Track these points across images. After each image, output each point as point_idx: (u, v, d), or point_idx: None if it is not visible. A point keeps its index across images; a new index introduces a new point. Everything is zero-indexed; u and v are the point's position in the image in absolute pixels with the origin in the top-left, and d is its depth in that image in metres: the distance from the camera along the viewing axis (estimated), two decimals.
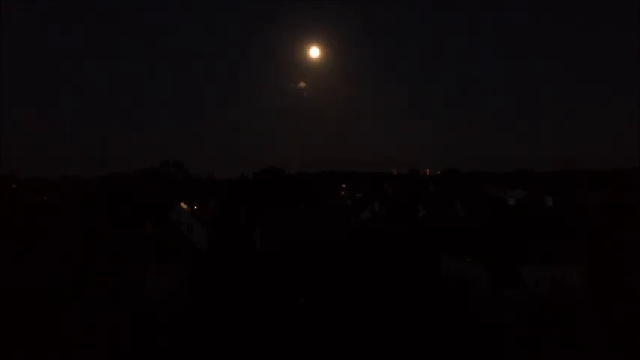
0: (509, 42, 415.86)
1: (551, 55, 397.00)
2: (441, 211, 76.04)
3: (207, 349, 27.68)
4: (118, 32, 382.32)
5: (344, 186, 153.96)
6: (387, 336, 28.45)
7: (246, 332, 29.10)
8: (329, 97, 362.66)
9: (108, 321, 27.48)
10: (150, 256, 38.12)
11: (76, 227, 45.24)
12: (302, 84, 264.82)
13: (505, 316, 31.37)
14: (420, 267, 42.10)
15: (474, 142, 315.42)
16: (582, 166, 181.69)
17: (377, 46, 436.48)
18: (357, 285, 37.49)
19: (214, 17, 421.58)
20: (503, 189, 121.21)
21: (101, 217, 52.91)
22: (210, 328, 29.92)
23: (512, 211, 66.59)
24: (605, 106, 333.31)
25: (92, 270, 32.81)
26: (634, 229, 40.94)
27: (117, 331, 26.96)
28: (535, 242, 39.01)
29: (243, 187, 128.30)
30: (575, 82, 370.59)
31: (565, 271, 35.33)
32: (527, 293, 33.30)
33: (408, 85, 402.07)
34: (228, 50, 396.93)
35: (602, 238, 39.37)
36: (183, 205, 66.91)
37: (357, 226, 62.23)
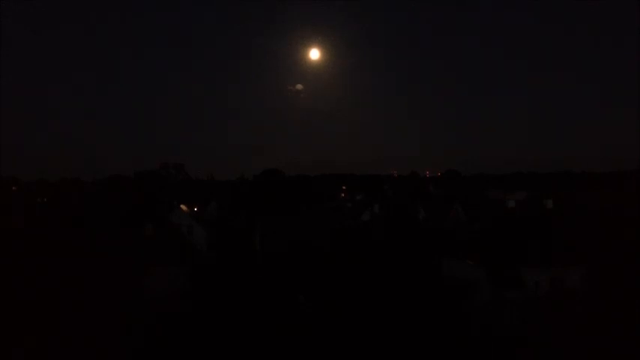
0: (510, 42, 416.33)
1: (552, 55, 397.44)
2: (441, 212, 75.91)
3: (208, 350, 27.64)
4: (118, 33, 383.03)
5: (344, 188, 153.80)
6: (387, 336, 28.41)
7: (246, 331, 29.06)
8: (329, 98, 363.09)
9: (108, 322, 27.44)
10: (150, 258, 38.11)
11: (76, 229, 45.21)
12: (299, 86, 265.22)
13: (505, 317, 31.33)
14: (420, 269, 42.05)
15: (474, 144, 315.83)
16: (583, 168, 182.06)
17: (377, 46, 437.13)
18: (357, 286, 37.45)
19: (214, 18, 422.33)
20: (503, 190, 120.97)
21: (101, 219, 52.86)
22: (210, 329, 29.88)
23: (513, 212, 66.43)
24: (606, 107, 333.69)
25: (92, 272, 32.78)
26: (634, 230, 40.91)
27: (117, 332, 26.92)
28: (535, 244, 38.93)
29: (243, 188, 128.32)
30: (575, 83, 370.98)
31: (565, 273, 35.28)
32: (527, 295, 33.24)
33: (407, 86, 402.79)
34: (228, 51, 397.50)
35: (603, 240, 39.32)
36: (183, 206, 66.91)
37: (357, 228, 62.17)
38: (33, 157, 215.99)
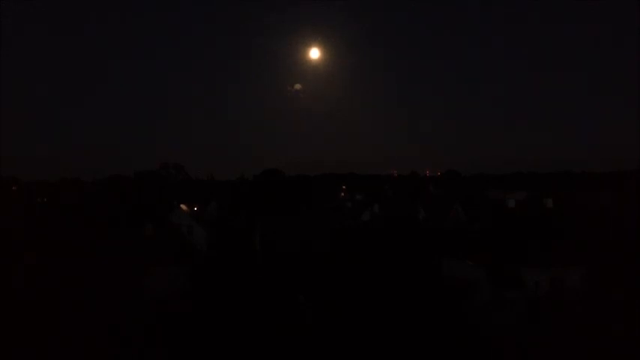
0: (510, 42, 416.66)
1: (552, 55, 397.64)
2: (441, 212, 75.91)
3: (208, 350, 27.63)
4: (118, 33, 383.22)
5: (344, 188, 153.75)
6: (387, 336, 28.40)
7: (246, 331, 29.06)
8: (329, 98, 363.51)
9: (108, 322, 27.45)
10: (150, 258, 38.11)
11: (76, 229, 45.22)
12: (297, 86, 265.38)
13: (505, 317, 31.31)
14: (421, 269, 42.05)
15: (474, 144, 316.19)
16: (583, 168, 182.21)
17: (377, 46, 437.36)
18: (357, 286, 37.45)
19: (215, 18, 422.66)
20: (503, 190, 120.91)
21: (101, 219, 52.88)
22: (211, 329, 29.88)
23: (513, 212, 66.48)
24: (606, 107, 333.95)
25: (92, 272, 32.80)
26: (634, 230, 40.92)
27: (117, 332, 26.93)
28: (535, 244, 38.95)
29: (243, 188, 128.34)
30: (575, 83, 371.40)
31: (565, 273, 35.29)
32: (527, 295, 33.26)
33: (408, 86, 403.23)
34: (228, 51, 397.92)
35: (603, 240, 39.32)
36: (183, 206, 66.90)
37: (357, 228, 62.18)
38: (33, 157, 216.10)
